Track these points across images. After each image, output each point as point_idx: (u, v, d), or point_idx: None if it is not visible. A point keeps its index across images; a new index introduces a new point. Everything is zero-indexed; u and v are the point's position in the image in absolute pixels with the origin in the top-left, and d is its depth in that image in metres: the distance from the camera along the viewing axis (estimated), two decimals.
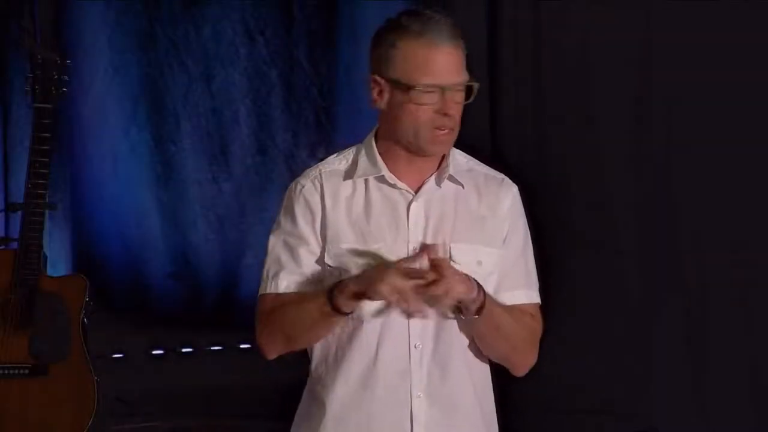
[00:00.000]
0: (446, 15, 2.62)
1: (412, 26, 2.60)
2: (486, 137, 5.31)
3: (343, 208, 2.67)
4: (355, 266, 2.63)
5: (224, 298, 6.16)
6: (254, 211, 6.14)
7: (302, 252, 2.67)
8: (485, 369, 2.75)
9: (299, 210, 2.69)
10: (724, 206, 5.02)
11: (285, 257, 2.68)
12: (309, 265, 2.67)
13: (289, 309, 2.65)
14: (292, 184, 2.74)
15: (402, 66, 2.61)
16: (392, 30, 2.65)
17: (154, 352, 5.91)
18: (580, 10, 5.20)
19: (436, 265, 2.52)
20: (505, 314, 2.67)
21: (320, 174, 2.71)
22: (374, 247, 2.63)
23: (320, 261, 2.67)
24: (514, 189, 2.77)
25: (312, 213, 2.68)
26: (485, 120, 5.31)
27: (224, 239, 6.16)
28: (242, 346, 5.82)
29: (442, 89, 2.59)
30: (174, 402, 5.40)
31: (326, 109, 6.17)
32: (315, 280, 2.67)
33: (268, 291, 2.71)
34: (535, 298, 2.76)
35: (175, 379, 5.66)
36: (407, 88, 2.60)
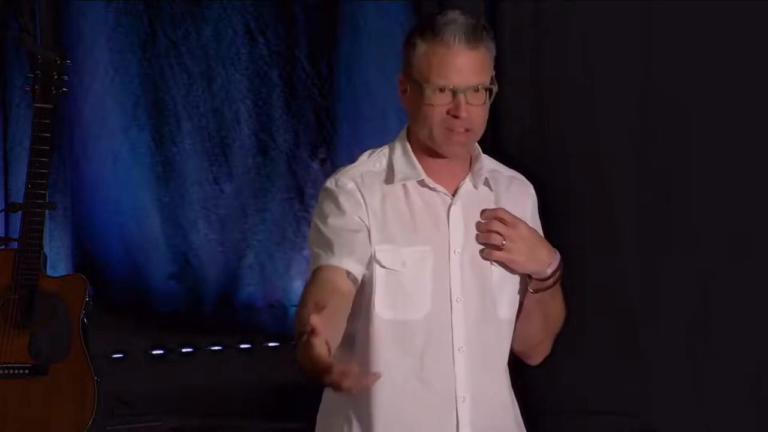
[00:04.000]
0: (472, 16, 2.63)
1: (431, 27, 2.61)
2: (486, 137, 5.31)
3: (387, 210, 2.66)
4: (404, 267, 2.63)
5: (224, 299, 6.16)
6: (255, 211, 6.14)
7: (341, 230, 2.61)
8: (507, 369, 2.77)
9: (345, 202, 2.64)
10: (724, 206, 5.02)
11: (323, 238, 2.62)
12: (347, 238, 2.61)
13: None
14: (331, 181, 2.69)
15: (418, 66, 2.62)
16: (416, 30, 2.66)
17: (154, 352, 5.91)
18: (581, 8, 5.20)
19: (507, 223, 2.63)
20: (557, 304, 2.75)
21: (361, 175, 2.68)
22: (422, 249, 2.64)
23: (370, 258, 2.63)
24: (532, 189, 2.82)
25: (357, 204, 2.64)
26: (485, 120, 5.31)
27: (225, 240, 6.17)
28: (242, 346, 5.83)
29: (454, 90, 2.59)
30: (174, 402, 5.40)
31: (326, 109, 6.17)
32: (362, 250, 2.61)
33: (321, 263, 2.61)
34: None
35: (175, 379, 5.66)
36: (421, 88, 2.61)
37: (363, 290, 2.65)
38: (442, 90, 2.59)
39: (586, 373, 5.13)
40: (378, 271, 2.63)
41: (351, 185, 2.66)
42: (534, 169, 5.15)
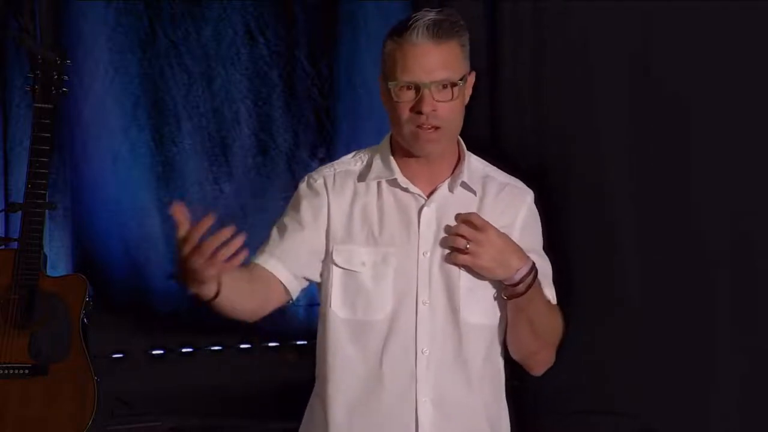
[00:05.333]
0: (442, 13, 2.61)
1: (398, 25, 2.61)
2: (486, 137, 5.32)
3: (355, 209, 2.67)
4: (363, 268, 2.63)
5: None
6: (255, 211, 6.13)
7: (292, 233, 2.68)
8: (497, 374, 2.76)
9: (305, 200, 2.70)
10: (724, 206, 5.02)
11: (273, 234, 2.71)
12: (290, 244, 2.68)
13: None
14: (305, 178, 2.76)
15: (387, 65, 2.63)
16: (388, 31, 2.66)
17: (154, 352, 5.91)
18: (581, 8, 5.20)
19: (474, 225, 2.58)
20: (544, 311, 2.69)
21: (334, 173, 2.71)
22: (385, 250, 2.64)
23: (323, 253, 2.67)
24: (529, 197, 2.78)
25: (318, 205, 2.68)
26: (485, 120, 5.31)
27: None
28: (242, 346, 5.82)
29: (418, 86, 2.58)
30: (174, 402, 5.40)
31: (327, 109, 6.16)
32: (301, 261, 2.67)
33: (258, 261, 2.72)
34: (555, 299, 2.78)
35: (175, 379, 5.65)
36: (388, 85, 2.61)
37: (322, 288, 2.68)
38: (408, 87, 2.59)
39: (586, 373, 5.13)
40: (335, 270, 2.65)
41: (320, 182, 2.70)
42: (534, 169, 5.19)
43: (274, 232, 2.72)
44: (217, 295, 2.52)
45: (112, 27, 6.04)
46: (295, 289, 2.70)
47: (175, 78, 6.11)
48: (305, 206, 2.69)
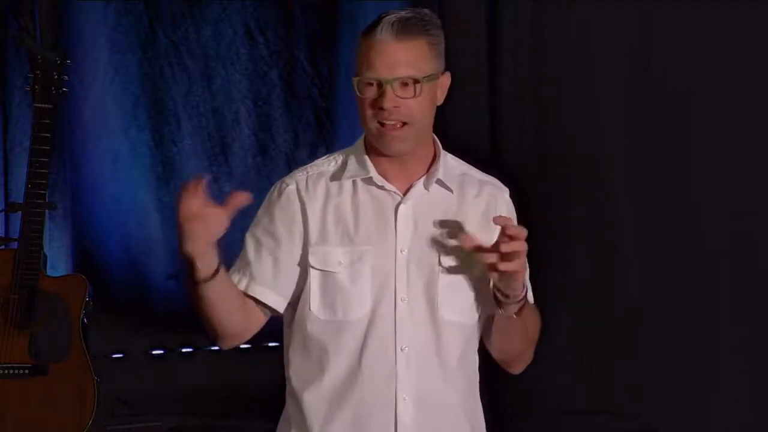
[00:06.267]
0: (413, 11, 2.59)
1: (370, 23, 2.60)
2: (486, 137, 5.31)
3: (329, 210, 2.66)
4: (340, 268, 2.63)
5: None
6: (255, 211, 6.12)
7: (269, 252, 2.67)
8: (472, 372, 2.75)
9: (278, 210, 2.69)
10: (724, 206, 5.02)
11: (250, 253, 2.69)
12: (271, 264, 2.66)
13: None
14: (277, 183, 2.74)
15: (355, 63, 2.62)
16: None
17: (154, 352, 5.91)
18: (581, 9, 5.20)
19: (512, 238, 2.51)
20: (533, 314, 2.69)
21: (306, 176, 2.70)
22: (361, 249, 2.63)
23: (302, 262, 2.66)
24: (506, 194, 2.77)
25: (292, 214, 2.67)
26: (485, 120, 5.31)
27: (225, 239, 6.15)
28: (242, 346, 5.81)
29: (379, 82, 2.57)
30: (174, 402, 5.40)
31: (326, 109, 6.17)
32: (285, 280, 2.66)
33: (240, 287, 2.70)
34: (532, 297, 2.77)
35: (175, 379, 5.65)
36: (353, 80, 2.61)
37: (299, 291, 2.67)
38: (370, 83, 2.58)
39: (586, 373, 5.13)
40: (312, 272, 2.64)
41: (292, 187, 2.69)
42: (534, 169, 5.19)
43: (251, 249, 2.69)
44: (214, 274, 2.51)
45: (112, 27, 6.04)
46: (283, 306, 2.69)
47: (175, 78, 6.11)
48: (278, 219, 2.68)
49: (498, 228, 2.58)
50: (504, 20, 5.38)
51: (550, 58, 5.34)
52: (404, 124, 2.59)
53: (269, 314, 2.72)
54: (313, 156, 6.03)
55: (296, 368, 2.70)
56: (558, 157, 5.29)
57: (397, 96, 2.57)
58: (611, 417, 5.12)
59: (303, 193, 2.67)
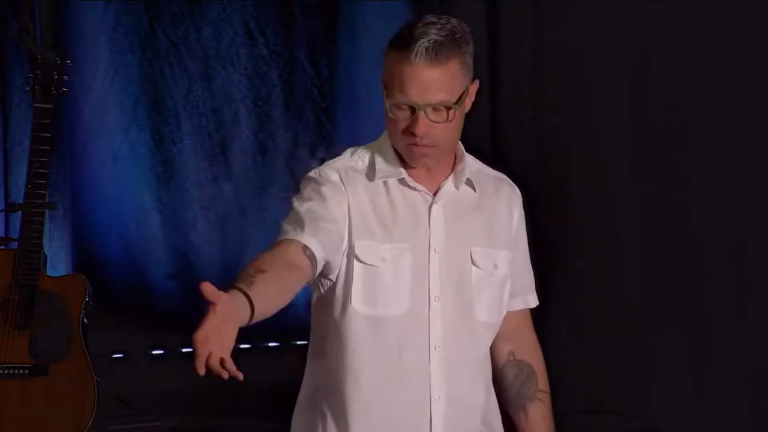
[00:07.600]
0: (445, 29, 2.55)
1: (403, 36, 2.55)
2: (486, 137, 5.32)
3: (369, 206, 2.65)
4: (383, 263, 2.62)
5: None
6: (254, 211, 6.13)
7: (321, 216, 2.58)
8: (489, 371, 2.78)
9: (326, 189, 2.63)
10: (724, 206, 5.02)
11: (308, 222, 2.56)
12: (325, 225, 2.58)
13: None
14: (314, 171, 2.68)
15: (385, 75, 2.59)
16: (394, 36, 2.61)
17: (154, 352, 5.91)
18: (581, 9, 5.20)
19: None
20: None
21: (345, 169, 2.67)
22: (401, 246, 2.63)
23: (347, 254, 2.63)
24: (518, 191, 2.79)
25: (340, 196, 2.62)
26: (485, 120, 5.31)
27: (224, 239, 6.16)
28: (242, 346, 5.80)
29: (413, 107, 2.55)
30: (174, 402, 5.40)
31: (326, 109, 6.17)
32: (331, 246, 2.58)
33: (282, 237, 2.56)
34: (536, 300, 2.84)
35: (175, 379, 5.65)
36: (385, 101, 2.59)
37: (339, 284, 2.64)
38: (401, 107, 2.56)
39: (586, 373, 5.13)
40: (356, 266, 2.62)
41: (335, 177, 2.65)
42: (534, 168, 5.18)
43: (289, 219, 2.59)
44: (251, 317, 2.42)
45: (112, 27, 6.05)
46: (317, 269, 2.57)
47: (175, 78, 6.12)
48: (329, 194, 2.61)
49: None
50: (504, 20, 5.38)
51: (550, 58, 5.34)
52: (432, 145, 2.59)
53: (314, 261, 2.56)
54: (313, 156, 6.04)
55: (330, 362, 2.68)
56: (558, 157, 5.29)
57: (429, 120, 2.56)
58: (611, 417, 5.12)
59: (346, 185, 2.65)
